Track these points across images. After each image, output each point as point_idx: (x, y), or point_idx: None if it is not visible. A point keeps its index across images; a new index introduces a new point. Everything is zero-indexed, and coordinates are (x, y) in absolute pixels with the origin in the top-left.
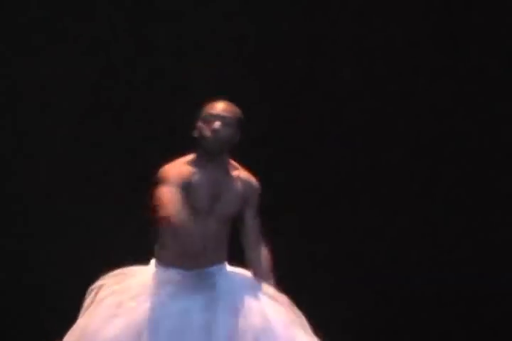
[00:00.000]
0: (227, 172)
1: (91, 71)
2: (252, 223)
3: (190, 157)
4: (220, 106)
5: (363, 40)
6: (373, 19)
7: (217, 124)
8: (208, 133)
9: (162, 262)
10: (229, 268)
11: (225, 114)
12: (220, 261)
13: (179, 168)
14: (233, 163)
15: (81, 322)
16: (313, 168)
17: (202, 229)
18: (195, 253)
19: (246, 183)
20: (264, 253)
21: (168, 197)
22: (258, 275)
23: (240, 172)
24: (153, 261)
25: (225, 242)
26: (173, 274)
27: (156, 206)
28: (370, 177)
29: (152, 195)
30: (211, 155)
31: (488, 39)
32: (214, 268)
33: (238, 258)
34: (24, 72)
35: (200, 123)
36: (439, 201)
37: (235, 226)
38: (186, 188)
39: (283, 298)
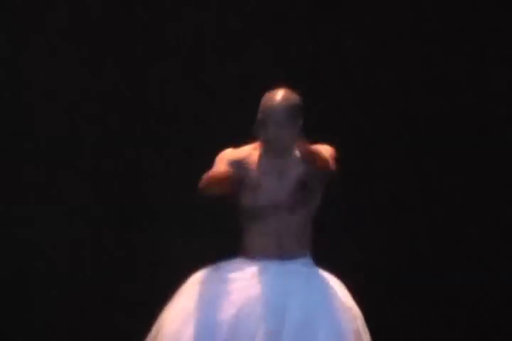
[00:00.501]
0: (291, 153)
1: None
2: (318, 197)
3: (253, 145)
4: (278, 110)
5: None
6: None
7: (275, 132)
8: (267, 138)
9: (249, 255)
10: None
11: (283, 120)
12: (304, 253)
13: (235, 152)
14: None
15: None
16: None
17: (272, 203)
18: (276, 237)
19: (307, 165)
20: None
21: (214, 171)
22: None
23: (308, 147)
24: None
25: (306, 232)
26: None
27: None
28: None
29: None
30: (276, 154)
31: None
32: (299, 261)
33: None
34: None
35: (259, 123)
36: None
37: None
38: (242, 167)
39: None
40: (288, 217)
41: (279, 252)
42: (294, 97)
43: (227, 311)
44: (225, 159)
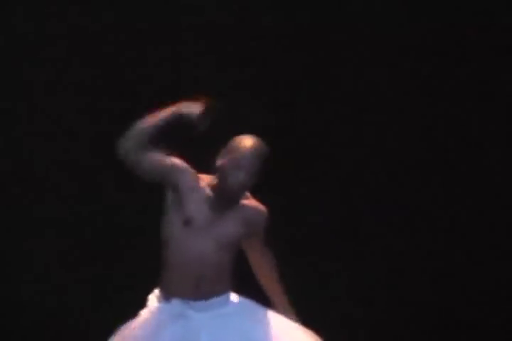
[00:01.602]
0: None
1: None
2: (260, 239)
3: (209, 177)
4: (248, 157)
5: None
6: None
7: (242, 178)
8: (231, 182)
9: (165, 292)
10: (235, 298)
11: (252, 168)
12: (224, 292)
13: (189, 169)
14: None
15: None
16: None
17: (199, 247)
18: (196, 277)
19: (252, 214)
20: (275, 276)
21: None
22: (273, 297)
23: (248, 201)
24: (155, 292)
25: (227, 272)
26: (176, 307)
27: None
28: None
29: None
30: (227, 199)
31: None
32: (218, 299)
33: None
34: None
35: (225, 162)
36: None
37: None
38: (182, 195)
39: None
40: (212, 257)
41: (197, 292)
42: (265, 149)
43: None
44: (180, 162)
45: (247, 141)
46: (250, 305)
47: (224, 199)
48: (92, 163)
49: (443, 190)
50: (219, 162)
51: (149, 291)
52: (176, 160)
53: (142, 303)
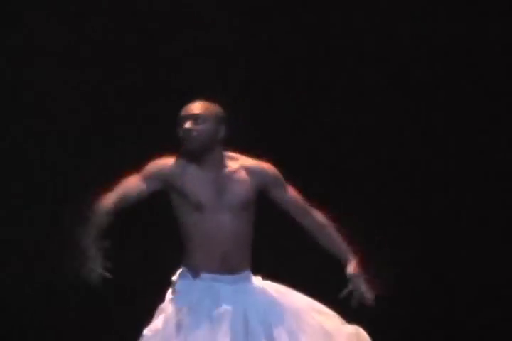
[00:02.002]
0: (224, 166)
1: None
2: (288, 197)
3: (179, 157)
4: (191, 106)
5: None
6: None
7: (186, 124)
8: (182, 134)
9: (192, 269)
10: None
11: (195, 112)
12: (246, 268)
13: (167, 162)
14: (233, 155)
15: None
16: None
17: (217, 223)
18: (221, 253)
19: (254, 170)
20: (319, 216)
21: (120, 186)
22: (325, 239)
23: (244, 162)
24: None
25: (247, 246)
26: (205, 281)
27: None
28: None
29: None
30: (192, 155)
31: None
32: (243, 275)
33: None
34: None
35: (177, 127)
36: None
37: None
38: (176, 180)
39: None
40: (232, 231)
41: (223, 266)
42: (215, 105)
43: None
44: (151, 172)
45: (189, 104)
46: (272, 284)
47: (192, 157)
48: None
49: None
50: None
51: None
52: (136, 178)
53: None
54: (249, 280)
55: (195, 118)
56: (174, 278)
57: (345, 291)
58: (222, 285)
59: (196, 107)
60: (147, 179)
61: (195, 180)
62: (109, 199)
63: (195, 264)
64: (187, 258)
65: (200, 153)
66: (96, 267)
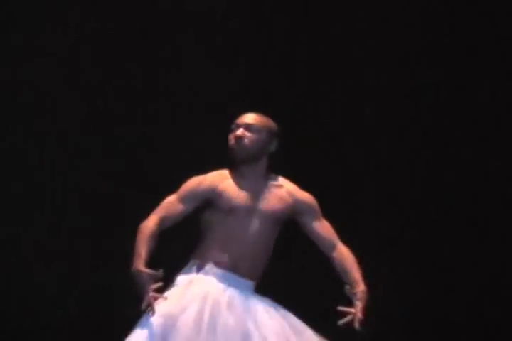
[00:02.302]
0: (266, 180)
1: None
2: (317, 226)
3: (225, 170)
4: (246, 116)
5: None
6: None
7: (239, 131)
8: (232, 141)
9: (203, 262)
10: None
11: (249, 121)
12: (255, 279)
13: (204, 179)
14: (280, 178)
15: None
16: None
17: (244, 226)
18: (238, 254)
19: (295, 194)
20: (345, 251)
21: (162, 208)
22: (346, 274)
23: (289, 185)
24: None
25: (264, 258)
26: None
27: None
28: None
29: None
30: (240, 163)
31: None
32: (249, 283)
33: None
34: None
35: (229, 135)
36: None
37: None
38: (214, 193)
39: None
40: (255, 237)
41: (234, 268)
42: (269, 119)
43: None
44: (189, 191)
45: (244, 114)
46: (271, 302)
47: (238, 166)
48: None
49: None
50: None
51: None
52: (181, 193)
53: None
54: (252, 290)
55: (248, 127)
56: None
57: (345, 319)
58: (226, 286)
59: (251, 117)
60: (186, 199)
61: (232, 188)
62: (152, 223)
63: (208, 259)
64: (201, 254)
65: (246, 162)
66: (148, 297)
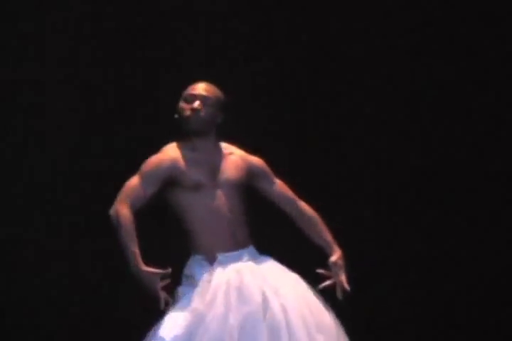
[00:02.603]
0: (219, 150)
1: None
2: (276, 188)
3: (175, 144)
4: (200, 86)
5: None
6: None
7: (196, 103)
8: (188, 112)
9: (207, 252)
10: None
11: (205, 93)
12: (242, 246)
13: (162, 158)
14: (227, 145)
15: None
16: None
17: (217, 200)
18: (229, 229)
19: (246, 159)
20: (308, 209)
21: (125, 188)
22: (312, 230)
23: (236, 151)
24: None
25: (246, 220)
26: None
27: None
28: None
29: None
30: (194, 135)
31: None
32: (252, 249)
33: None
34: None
35: (181, 104)
36: None
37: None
38: (176, 170)
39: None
40: (231, 208)
41: (235, 243)
42: (219, 91)
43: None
44: (150, 173)
45: (196, 83)
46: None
47: (193, 137)
48: None
49: None
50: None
51: None
52: (143, 174)
53: None
54: (257, 254)
55: (203, 98)
56: (187, 270)
57: (325, 283)
58: (242, 264)
59: (204, 88)
60: (150, 182)
61: (191, 163)
62: (127, 212)
63: (210, 247)
64: (198, 246)
65: (202, 133)
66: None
